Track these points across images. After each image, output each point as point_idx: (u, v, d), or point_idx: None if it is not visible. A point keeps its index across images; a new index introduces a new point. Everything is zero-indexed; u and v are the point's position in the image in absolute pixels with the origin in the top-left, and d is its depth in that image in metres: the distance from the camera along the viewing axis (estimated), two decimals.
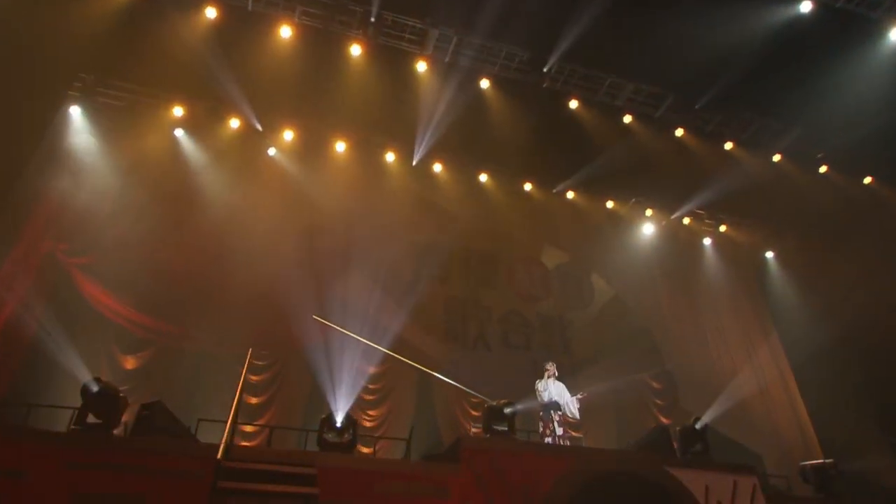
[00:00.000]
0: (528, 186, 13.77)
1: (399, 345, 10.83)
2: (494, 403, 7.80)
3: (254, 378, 11.27)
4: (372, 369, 11.55)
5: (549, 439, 8.57)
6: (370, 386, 11.59)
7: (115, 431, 6.60)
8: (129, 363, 11.01)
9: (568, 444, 8.69)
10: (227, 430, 6.75)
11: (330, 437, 7.25)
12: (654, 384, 13.80)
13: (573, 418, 8.97)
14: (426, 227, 12.54)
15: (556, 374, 9.21)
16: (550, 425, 8.68)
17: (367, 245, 11.65)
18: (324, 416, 7.34)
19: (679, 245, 14.85)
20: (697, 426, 8.15)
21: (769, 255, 15.44)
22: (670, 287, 14.25)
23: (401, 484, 6.86)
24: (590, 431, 12.56)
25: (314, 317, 10.37)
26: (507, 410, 7.72)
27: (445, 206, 12.86)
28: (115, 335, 10.74)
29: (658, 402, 13.61)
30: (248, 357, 6.83)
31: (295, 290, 10.95)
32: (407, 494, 6.81)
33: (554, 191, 13.85)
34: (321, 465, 6.65)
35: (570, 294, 13.50)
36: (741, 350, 14.04)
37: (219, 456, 6.22)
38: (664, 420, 13.48)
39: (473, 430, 10.97)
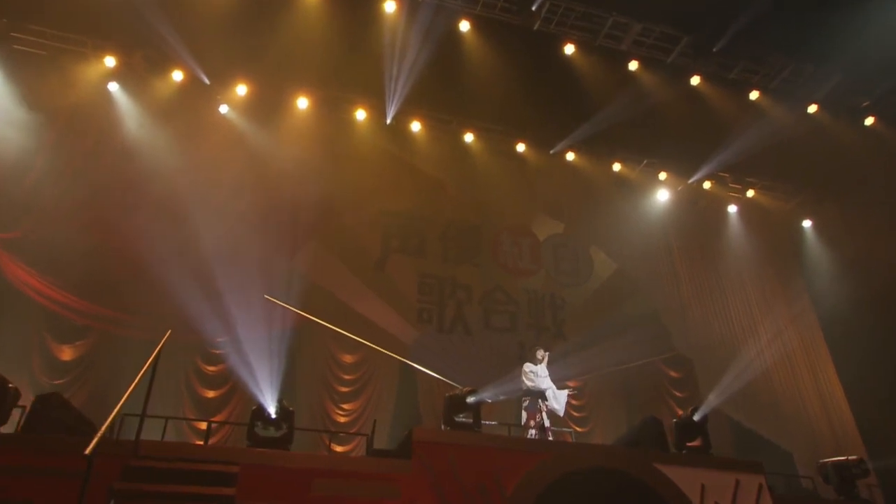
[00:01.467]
0: (520, 147, 13.38)
1: (364, 327, 10.66)
2: (457, 392, 7.55)
3: (210, 369, 11.20)
4: (347, 358, 11.44)
5: (533, 432, 8.29)
6: (344, 376, 11.43)
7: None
8: (66, 353, 10.88)
9: (551, 437, 8.43)
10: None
11: (261, 430, 6.98)
12: (672, 373, 13.48)
13: (555, 412, 8.65)
14: (399, 194, 12.28)
15: (546, 361, 8.98)
16: (537, 416, 8.38)
17: (330, 215, 11.43)
18: (254, 406, 7.07)
19: (699, 214, 14.45)
20: (696, 417, 7.83)
21: (806, 224, 14.92)
22: (689, 263, 13.86)
23: (342, 483, 6.60)
24: (597, 428, 12.35)
25: (266, 297, 10.14)
26: (471, 399, 7.48)
27: (423, 170, 12.57)
28: (46, 322, 10.58)
29: (677, 393, 13.33)
30: (164, 341, 6.61)
31: (249, 266, 10.79)
32: (348, 495, 6.54)
33: (551, 152, 13.45)
34: (246, 463, 6.38)
35: (564, 269, 13.25)
36: (772, 335, 13.57)
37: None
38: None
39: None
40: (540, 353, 8.90)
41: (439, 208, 12.63)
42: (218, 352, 11.12)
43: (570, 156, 13.58)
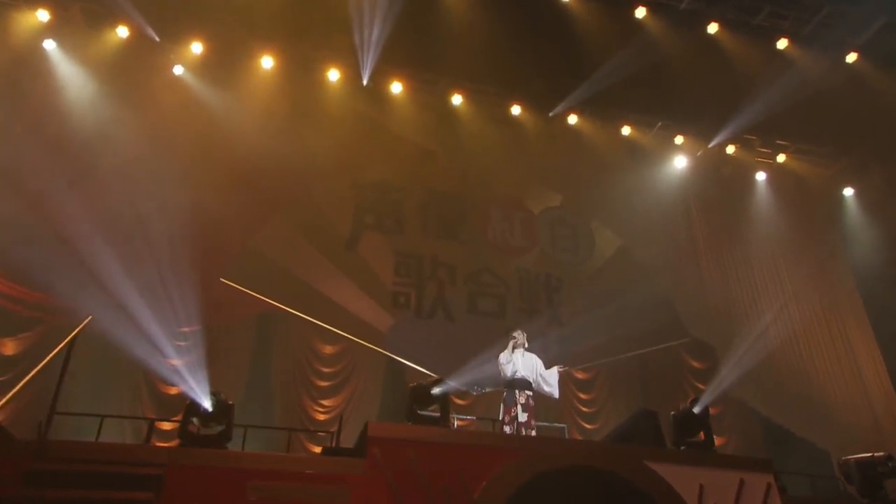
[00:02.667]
0: (515, 110, 13.07)
1: (332, 313, 10.52)
2: (421, 382, 7.38)
3: (175, 363, 11.04)
4: (327, 349, 11.36)
5: (507, 428, 8.06)
6: (324, 369, 11.34)
7: None
8: (8, 347, 10.82)
9: (533, 433, 8.13)
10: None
11: (195, 427, 6.78)
12: (694, 363, 13.25)
13: (550, 395, 8.45)
14: (374, 163, 12.11)
15: (526, 344, 8.68)
16: (513, 410, 8.12)
17: (296, 189, 11.28)
18: (188, 401, 6.90)
19: (722, 183, 14.08)
20: (696, 409, 7.59)
21: (848, 192, 14.47)
22: (711, 239, 13.52)
23: (281, 486, 6.38)
24: (608, 425, 12.15)
25: (221, 279, 10.00)
26: (437, 390, 7.22)
27: (402, 136, 12.34)
28: None
29: (700, 385, 12.93)
30: (81, 328, 6.43)
31: (206, 246, 10.66)
32: (288, 499, 6.31)
33: (550, 115, 13.11)
34: (174, 464, 6.19)
35: (561, 246, 13.11)
36: (807, 318, 13.27)
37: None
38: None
39: (458, 421, 10.67)
40: (517, 339, 8.61)
41: (420, 179, 12.44)
42: (181, 343, 10.88)
43: (573, 119, 13.24)
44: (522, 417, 8.08)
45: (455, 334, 11.17)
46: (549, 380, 8.43)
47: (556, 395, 8.51)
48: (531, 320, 11.63)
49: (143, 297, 10.42)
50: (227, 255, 10.63)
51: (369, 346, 10.00)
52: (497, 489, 6.50)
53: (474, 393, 9.81)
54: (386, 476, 6.48)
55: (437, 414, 7.31)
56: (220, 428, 6.90)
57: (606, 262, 13.00)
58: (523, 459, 6.73)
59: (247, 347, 11.34)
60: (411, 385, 7.50)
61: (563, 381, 12.03)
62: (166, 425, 10.61)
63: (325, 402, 11.22)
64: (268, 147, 11.26)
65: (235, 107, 11.67)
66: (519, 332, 8.75)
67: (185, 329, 10.92)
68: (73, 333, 6.44)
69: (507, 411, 8.21)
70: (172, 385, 8.87)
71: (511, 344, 8.57)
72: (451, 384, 7.30)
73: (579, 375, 12.65)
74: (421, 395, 7.30)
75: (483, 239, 12.64)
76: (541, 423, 9.68)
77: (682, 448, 7.49)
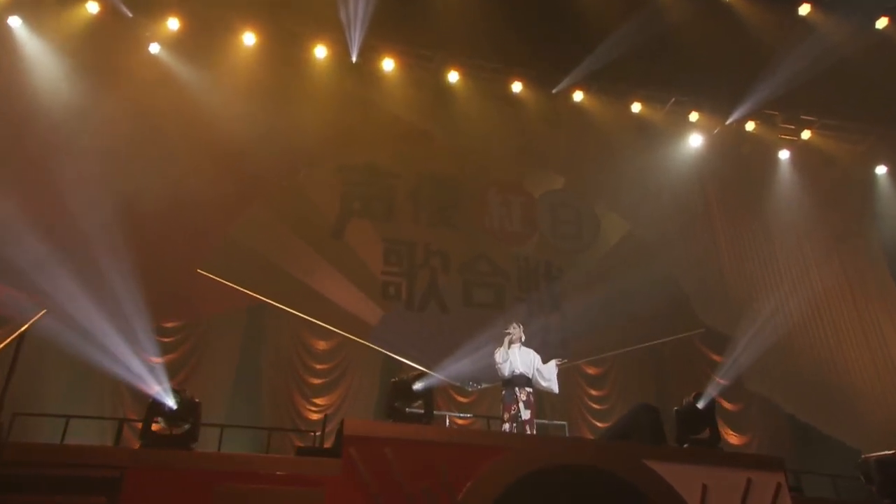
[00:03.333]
0: (516, 87, 12.88)
1: (317, 305, 10.54)
2: (402, 377, 7.40)
3: (155, 360, 11.07)
4: (320, 344, 11.36)
5: (508, 426, 7.95)
6: (317, 366, 11.35)
7: None
8: None
9: (534, 432, 8.05)
10: None
11: (159, 426, 6.79)
12: (713, 356, 13.04)
13: (548, 390, 8.36)
14: (362, 145, 12.03)
15: (523, 338, 8.55)
16: (513, 408, 8.00)
17: (278, 173, 11.26)
18: (151, 399, 6.89)
19: (741, 162, 13.87)
20: (700, 404, 7.46)
21: (880, 170, 14.18)
22: (730, 223, 13.36)
23: (250, 489, 6.33)
24: None
25: (199, 271, 9.99)
26: (418, 385, 7.19)
27: (393, 116, 12.21)
28: None
29: (721, 381, 12.58)
30: (33, 321, 6.40)
31: (185, 235, 10.72)
32: (259, 503, 6.27)
33: (553, 91, 12.92)
34: (133, 466, 6.16)
35: (563, 232, 13.03)
36: (838, 309, 13.08)
37: None
38: (729, 406, 12.93)
39: (459, 420, 10.66)
40: (513, 334, 8.44)
41: (412, 161, 12.35)
42: (168, 339, 11.04)
43: (578, 96, 13.04)
44: (525, 415, 7.99)
45: (449, 327, 11.08)
46: (547, 374, 8.29)
47: (556, 389, 8.38)
48: (531, 311, 11.57)
49: (119, 289, 10.47)
50: (208, 244, 10.61)
51: (359, 340, 9.87)
52: (482, 490, 6.43)
53: (469, 389, 9.73)
54: (362, 477, 6.44)
55: (421, 410, 7.27)
56: (186, 427, 6.83)
57: (612, 248, 12.89)
58: (511, 458, 6.65)
59: (235, 343, 11.37)
60: (392, 380, 7.48)
61: (573, 377, 12.16)
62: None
63: (317, 401, 11.21)
64: (249, 129, 11.16)
65: (215, 87, 11.54)
66: (514, 325, 8.61)
67: (168, 323, 11.04)
68: (21, 329, 6.38)
69: (506, 409, 8.09)
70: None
71: (507, 340, 8.42)
72: (436, 379, 7.23)
73: (590, 371, 12.58)
74: (403, 390, 7.25)
75: (479, 225, 12.55)
76: (539, 421, 9.61)
77: (686, 446, 7.34)
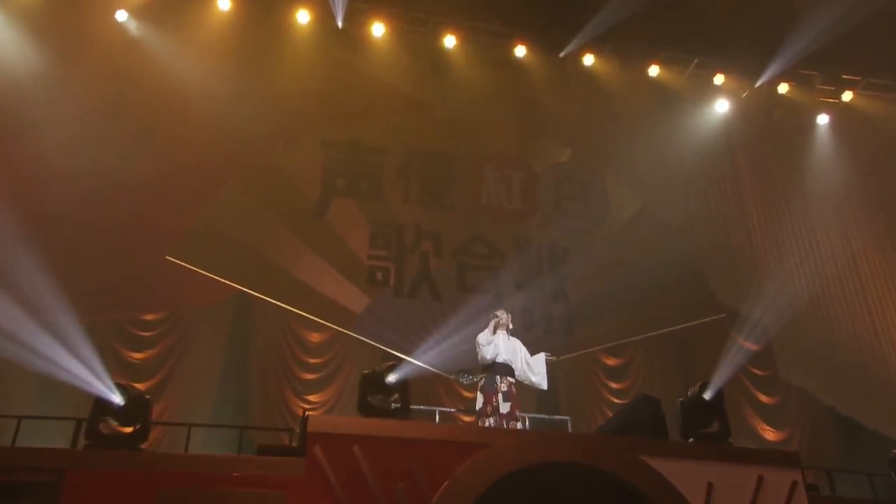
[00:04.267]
0: (520, 51, 12.77)
1: (297, 293, 10.57)
2: (375, 368, 7.27)
3: (135, 356, 11.17)
4: (314, 336, 11.39)
5: (490, 420, 7.83)
6: (310, 360, 11.37)
7: None
8: None
9: (519, 426, 7.96)
10: None
11: (106, 427, 6.76)
12: (750, 345, 12.57)
13: (537, 385, 8.23)
14: (348, 119, 12.01)
15: (511, 326, 8.44)
16: (494, 399, 7.90)
17: (255, 150, 11.23)
18: (96, 397, 6.82)
19: (774, 129, 13.73)
20: (707, 395, 7.34)
21: None
22: (762, 198, 13.29)
23: (201, 493, 6.27)
24: None
25: (168, 257, 10.02)
26: (392, 377, 7.08)
27: (383, 87, 12.21)
28: None
29: (756, 371, 12.87)
30: None
31: (156, 220, 10.73)
32: None
33: (561, 55, 12.84)
34: (73, 469, 6.10)
35: (569, 209, 12.93)
36: (886, 290, 12.88)
37: None
38: (765, 399, 12.79)
39: (466, 417, 10.62)
40: (500, 319, 8.31)
41: (401, 135, 12.28)
42: (146, 333, 11.14)
43: (588, 59, 12.97)
44: (504, 408, 7.85)
45: (441, 314, 10.97)
46: (536, 368, 8.13)
47: (545, 385, 8.23)
48: (532, 297, 11.54)
49: (91, 280, 10.51)
50: (177, 229, 10.64)
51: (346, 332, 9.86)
52: (460, 489, 6.28)
53: (463, 382, 9.67)
54: (328, 477, 6.33)
55: (398, 404, 7.13)
56: (134, 426, 6.81)
57: (623, 226, 12.78)
58: (493, 456, 6.49)
59: (222, 336, 11.42)
60: (364, 372, 7.34)
61: (591, 368, 12.11)
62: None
63: (311, 398, 11.21)
64: (222, 102, 11.13)
65: (184, 57, 11.50)
66: (502, 311, 8.51)
67: (148, 316, 11.11)
68: None
69: (486, 400, 7.96)
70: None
71: (493, 323, 8.30)
72: (412, 370, 7.15)
73: (609, 361, 12.48)
74: (375, 383, 7.11)
75: (475, 203, 12.53)
76: (539, 416, 9.56)
77: (690, 440, 7.21)
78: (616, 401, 12.23)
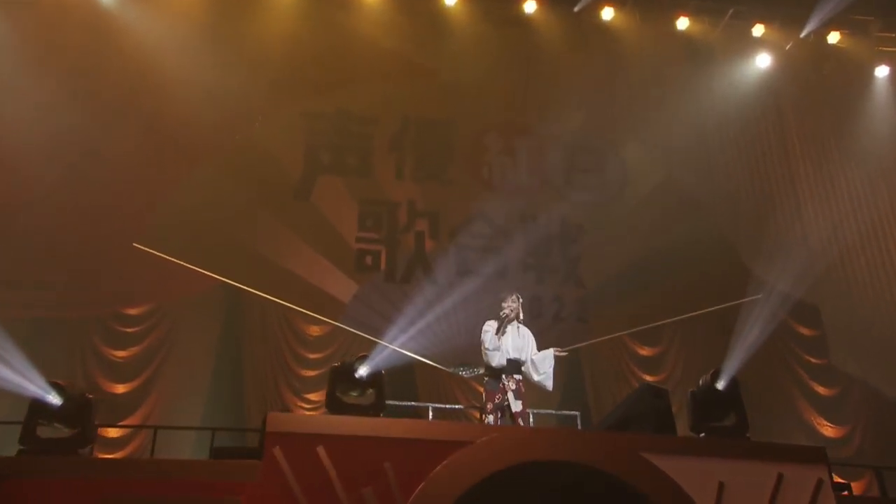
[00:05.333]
0: (529, 6, 12.67)
1: (279, 281, 10.61)
2: (345, 361, 7.30)
3: (118, 355, 11.38)
4: (314, 330, 11.47)
5: (491, 417, 7.75)
6: (309, 356, 11.44)
7: None
8: None
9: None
10: None
11: (45, 430, 6.64)
12: (801, 328, 12.88)
13: (540, 385, 8.03)
14: (333, 87, 12.02)
15: (521, 315, 8.18)
16: (498, 397, 7.80)
17: (230, 125, 11.27)
18: (32, 399, 6.74)
19: (823, 84, 13.59)
20: (720, 385, 7.15)
21: None
22: (808, 160, 13.15)
23: (151, 500, 6.24)
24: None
25: (135, 245, 10.05)
26: (361, 372, 7.02)
27: (372, 51, 12.15)
28: None
29: (810, 358, 12.76)
30: None
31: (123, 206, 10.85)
32: None
33: (575, 9, 12.76)
34: (5, 477, 6.06)
35: (582, 182, 12.79)
36: None
37: None
38: (822, 391, 12.65)
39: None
40: (509, 307, 8.07)
41: (394, 103, 12.25)
42: (129, 329, 11.33)
43: (608, 13, 12.84)
44: (516, 406, 7.76)
45: (439, 302, 10.83)
46: (541, 366, 7.90)
47: (549, 385, 8.03)
48: (541, 280, 11.55)
49: (65, 272, 10.63)
50: (148, 213, 10.80)
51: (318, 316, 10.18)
52: (436, 492, 6.20)
53: (465, 375, 9.57)
54: (288, 482, 6.25)
55: (372, 400, 7.10)
56: (73, 430, 6.76)
57: (644, 199, 12.66)
58: (474, 455, 6.39)
59: (213, 330, 11.56)
60: (333, 365, 7.32)
61: (621, 358, 12.21)
62: (112, 432, 10.78)
63: (311, 397, 11.29)
64: (192, 71, 11.19)
65: (160, 25, 11.58)
66: (512, 299, 8.22)
67: (131, 310, 11.26)
68: None
69: (489, 398, 7.88)
70: None
71: (503, 314, 8.08)
72: (383, 361, 7.15)
73: (642, 352, 12.44)
74: (345, 377, 7.04)
75: (476, 178, 12.51)
76: (545, 412, 9.48)
77: (702, 435, 7.05)
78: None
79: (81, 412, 6.78)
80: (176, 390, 11.04)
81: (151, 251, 9.82)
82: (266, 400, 11.14)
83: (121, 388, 11.05)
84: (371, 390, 7.14)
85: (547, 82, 12.88)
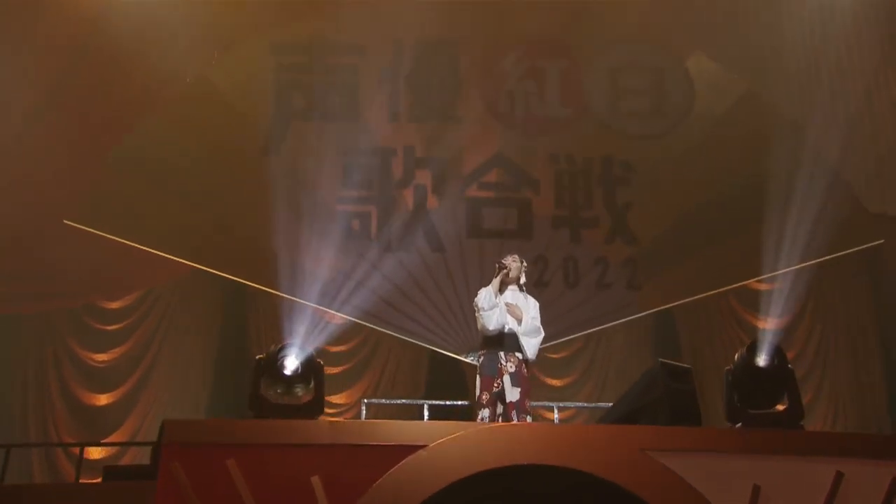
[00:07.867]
0: None
1: (243, 255, 10.75)
2: (270, 350, 7.13)
3: (99, 358, 11.88)
4: (336, 318, 11.60)
5: (487, 412, 7.70)
6: (331, 349, 11.55)
7: None
8: None
9: (529, 419, 7.82)
10: None
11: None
12: None
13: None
14: (306, 11, 11.85)
15: (524, 278, 8.24)
16: (497, 383, 7.73)
17: (180, 69, 11.23)
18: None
19: None
20: (761, 361, 6.73)
21: None
22: None
23: None
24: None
25: (66, 221, 10.21)
26: (290, 362, 6.93)
27: None
28: None
29: None
30: None
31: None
32: None
33: None
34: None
35: (633, 108, 12.55)
36: None
37: None
38: None
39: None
40: (509, 267, 8.12)
41: (384, 25, 12.03)
42: (110, 327, 11.78)
43: None
44: (512, 394, 7.65)
45: (445, 271, 11.04)
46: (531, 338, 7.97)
47: (532, 356, 7.98)
48: (578, 240, 11.36)
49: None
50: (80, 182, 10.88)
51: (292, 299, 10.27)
52: None
53: (471, 360, 9.74)
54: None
55: (311, 397, 7.01)
56: None
57: (715, 125, 12.12)
58: (428, 462, 6.27)
59: (212, 323, 12.07)
60: (257, 357, 7.25)
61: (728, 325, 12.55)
62: (95, 452, 11.11)
63: (332, 399, 11.45)
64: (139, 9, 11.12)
65: None
66: (512, 257, 8.30)
67: (112, 304, 11.70)
68: None
69: (484, 386, 7.78)
70: None
71: (498, 277, 8.10)
72: (309, 350, 7.02)
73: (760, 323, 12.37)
74: (270, 370, 6.94)
75: (492, 113, 12.30)
76: (576, 405, 9.80)
77: (738, 425, 6.73)
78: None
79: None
80: (170, 393, 11.74)
81: (82, 227, 9.91)
82: None
83: (103, 400, 11.68)
84: (303, 385, 7.09)
85: None
